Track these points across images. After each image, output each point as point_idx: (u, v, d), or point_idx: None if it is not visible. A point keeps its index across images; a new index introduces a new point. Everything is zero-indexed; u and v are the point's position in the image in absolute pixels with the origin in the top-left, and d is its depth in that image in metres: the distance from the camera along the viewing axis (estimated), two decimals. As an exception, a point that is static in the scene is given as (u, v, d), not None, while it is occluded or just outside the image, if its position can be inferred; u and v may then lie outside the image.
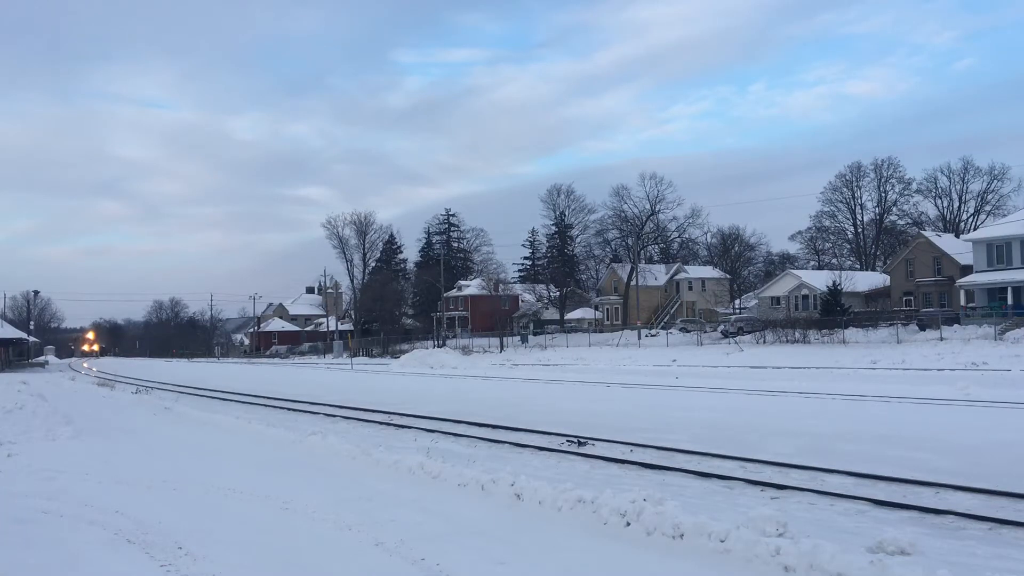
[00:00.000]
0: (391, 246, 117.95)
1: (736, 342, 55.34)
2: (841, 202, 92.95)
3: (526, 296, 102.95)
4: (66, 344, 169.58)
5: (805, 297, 70.22)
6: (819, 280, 68.59)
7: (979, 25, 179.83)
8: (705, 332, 64.80)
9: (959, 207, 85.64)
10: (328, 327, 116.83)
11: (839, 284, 61.29)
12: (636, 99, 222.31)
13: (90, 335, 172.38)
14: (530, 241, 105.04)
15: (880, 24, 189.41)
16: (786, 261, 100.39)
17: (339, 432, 17.64)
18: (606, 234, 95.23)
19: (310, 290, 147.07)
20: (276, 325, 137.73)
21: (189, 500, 10.12)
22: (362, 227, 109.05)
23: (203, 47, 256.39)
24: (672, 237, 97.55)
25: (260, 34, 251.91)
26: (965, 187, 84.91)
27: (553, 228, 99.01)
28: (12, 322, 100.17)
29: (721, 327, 65.24)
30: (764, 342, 53.88)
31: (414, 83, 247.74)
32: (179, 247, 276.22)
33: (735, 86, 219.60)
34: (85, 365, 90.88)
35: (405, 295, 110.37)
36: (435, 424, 19.34)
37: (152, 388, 38.46)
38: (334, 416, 22.56)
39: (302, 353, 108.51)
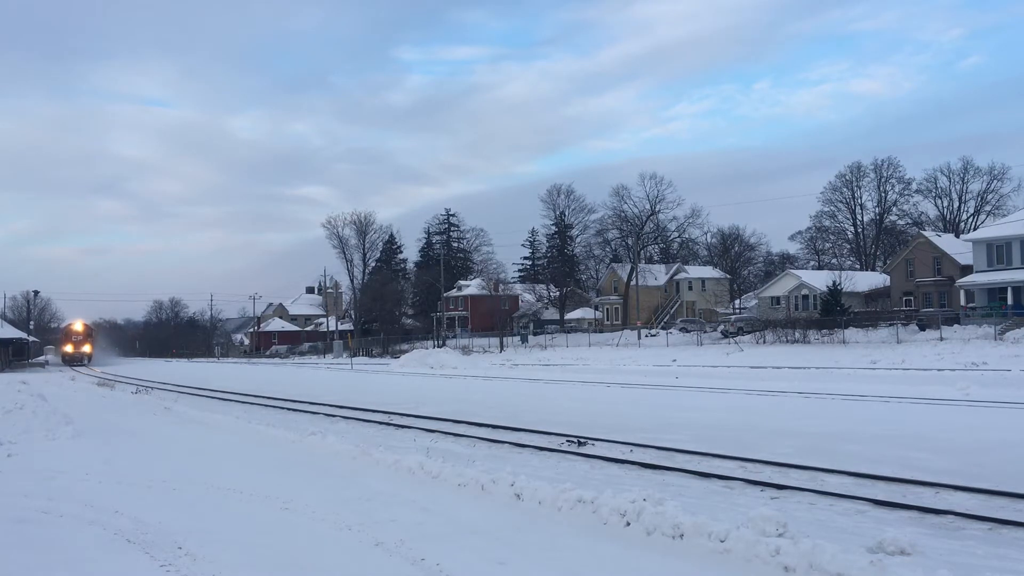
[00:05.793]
0: (391, 246, 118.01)
1: (736, 342, 55.34)
2: (841, 202, 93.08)
3: (526, 296, 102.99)
4: None
5: (805, 297, 70.23)
6: (819, 280, 68.61)
7: (986, 22, 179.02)
8: (705, 332, 64.79)
9: (959, 207, 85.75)
10: (328, 327, 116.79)
11: (839, 284, 61.29)
12: (639, 97, 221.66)
13: (77, 326, 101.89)
14: (530, 241, 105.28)
15: (886, 21, 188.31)
16: (786, 261, 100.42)
17: (339, 432, 17.65)
18: (606, 234, 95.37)
19: (310, 290, 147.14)
20: (276, 325, 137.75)
21: (189, 500, 10.12)
22: (362, 227, 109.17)
23: (203, 45, 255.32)
24: (672, 237, 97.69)
25: (261, 32, 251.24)
26: (965, 187, 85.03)
27: (553, 228, 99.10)
28: (12, 322, 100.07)
29: (721, 327, 65.25)
30: (764, 342, 53.89)
31: (416, 81, 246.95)
32: (179, 247, 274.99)
33: (739, 84, 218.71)
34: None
35: (405, 295, 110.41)
36: (435, 424, 19.34)
37: (152, 388, 38.44)
38: (334, 416, 22.56)
39: (302, 353, 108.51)
